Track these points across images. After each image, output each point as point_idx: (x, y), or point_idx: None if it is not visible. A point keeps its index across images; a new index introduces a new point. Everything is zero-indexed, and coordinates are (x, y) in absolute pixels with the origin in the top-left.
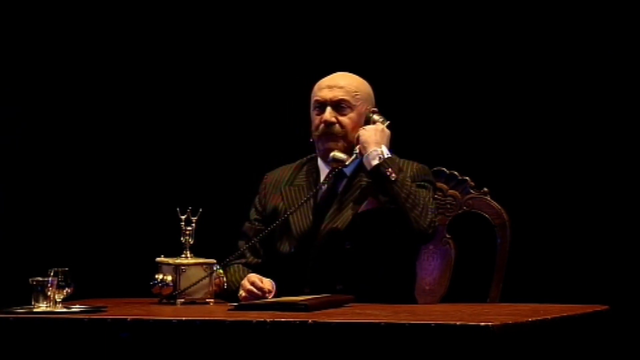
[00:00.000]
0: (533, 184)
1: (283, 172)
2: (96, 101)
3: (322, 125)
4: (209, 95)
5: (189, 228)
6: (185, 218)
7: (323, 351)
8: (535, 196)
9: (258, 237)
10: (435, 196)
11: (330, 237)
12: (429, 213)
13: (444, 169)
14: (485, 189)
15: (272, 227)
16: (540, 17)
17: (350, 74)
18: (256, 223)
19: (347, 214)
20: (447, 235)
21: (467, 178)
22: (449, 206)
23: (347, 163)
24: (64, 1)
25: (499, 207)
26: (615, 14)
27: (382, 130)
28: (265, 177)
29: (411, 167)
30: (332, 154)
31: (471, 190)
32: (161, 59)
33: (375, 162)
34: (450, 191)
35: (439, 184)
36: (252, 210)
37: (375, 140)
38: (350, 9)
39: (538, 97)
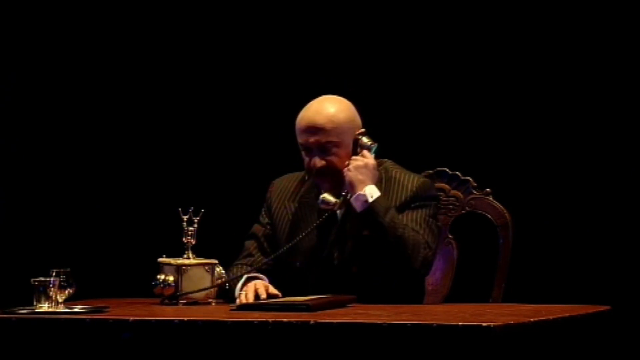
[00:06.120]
0: (535, 185)
1: (288, 183)
2: (98, 102)
3: (313, 170)
4: (211, 95)
5: (191, 228)
6: (187, 218)
7: (325, 351)
8: (537, 196)
9: (272, 257)
10: (439, 197)
11: (337, 259)
12: (421, 250)
13: (446, 169)
14: (488, 190)
15: (279, 252)
16: (541, 18)
17: (328, 103)
18: (267, 227)
19: (348, 240)
20: (450, 236)
21: (469, 178)
22: (451, 206)
23: (335, 208)
24: (64, 2)
25: (502, 207)
26: (615, 14)
27: (366, 165)
28: (272, 184)
29: (412, 184)
30: (321, 196)
31: (473, 191)
32: (163, 60)
33: (360, 208)
34: (453, 191)
35: (441, 185)
36: (262, 214)
37: (359, 181)
38: (352, 10)
39: (539, 97)
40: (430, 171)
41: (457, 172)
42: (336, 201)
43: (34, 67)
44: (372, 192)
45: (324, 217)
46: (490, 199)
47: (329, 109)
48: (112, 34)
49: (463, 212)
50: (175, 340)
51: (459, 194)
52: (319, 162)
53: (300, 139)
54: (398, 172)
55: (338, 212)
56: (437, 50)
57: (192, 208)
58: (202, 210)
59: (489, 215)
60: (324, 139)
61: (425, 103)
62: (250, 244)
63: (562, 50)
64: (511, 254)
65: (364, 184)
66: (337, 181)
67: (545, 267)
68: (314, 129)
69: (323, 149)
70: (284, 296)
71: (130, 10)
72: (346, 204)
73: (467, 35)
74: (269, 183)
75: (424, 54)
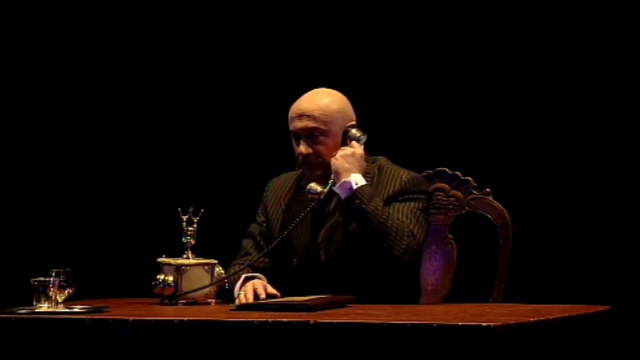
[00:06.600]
0: (535, 185)
1: (284, 182)
2: (98, 102)
3: (300, 158)
4: (211, 95)
5: (191, 228)
6: (187, 218)
7: (325, 351)
8: (537, 196)
9: (261, 254)
10: (438, 197)
11: (325, 255)
12: (404, 238)
13: (446, 169)
14: (488, 190)
15: (273, 244)
16: (541, 17)
17: (321, 93)
18: (264, 225)
19: (339, 232)
20: (450, 236)
21: (469, 178)
22: (451, 206)
23: (322, 197)
24: (64, 1)
25: (502, 207)
26: (615, 14)
27: (353, 154)
28: (268, 184)
29: (401, 178)
30: (308, 186)
31: (473, 191)
32: (163, 60)
33: (344, 194)
34: (453, 191)
35: (441, 185)
36: (258, 213)
37: (345, 169)
38: (352, 11)
39: (539, 97)
40: (430, 171)
41: (457, 172)
42: (322, 190)
43: (34, 67)
44: (357, 180)
45: (312, 206)
46: (490, 199)
47: (321, 98)
48: (112, 34)
49: (463, 212)
50: (175, 340)
51: (459, 194)
52: (305, 148)
53: (291, 126)
54: (390, 168)
55: (331, 207)
56: (437, 50)
57: (191, 208)
58: (202, 210)
59: (489, 215)
60: (312, 125)
61: (425, 103)
62: (247, 243)
63: (562, 50)
64: (511, 254)
65: (350, 172)
66: (326, 173)
67: (545, 267)
68: (303, 115)
69: (311, 136)
70: (282, 296)
71: (130, 10)
72: (332, 193)
73: (468, 36)
74: (267, 183)
75: (424, 54)
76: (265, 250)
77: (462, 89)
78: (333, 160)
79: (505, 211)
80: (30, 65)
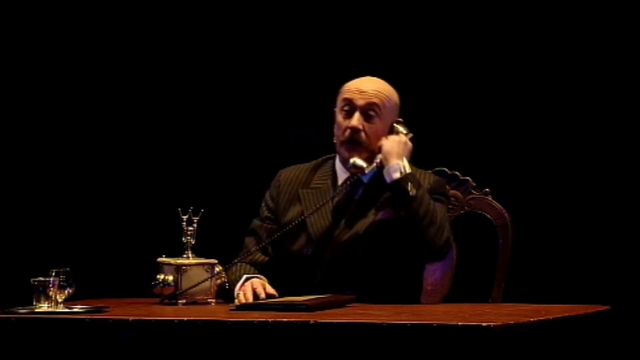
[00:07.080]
0: (535, 184)
1: (298, 172)
2: (98, 102)
3: (348, 131)
4: (211, 94)
5: (191, 228)
6: (187, 218)
7: (325, 351)
8: (537, 196)
9: (272, 238)
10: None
11: (345, 244)
12: (445, 231)
13: (445, 169)
14: (487, 190)
15: (287, 229)
16: (540, 17)
17: (381, 81)
18: (267, 222)
19: (363, 222)
20: None
21: (468, 178)
22: (450, 207)
23: (366, 172)
24: (64, 2)
25: (501, 207)
26: (615, 14)
27: (405, 142)
28: (279, 174)
29: (428, 179)
30: (352, 160)
31: (473, 191)
32: (163, 59)
33: (396, 175)
34: (452, 191)
35: None
36: (263, 207)
37: (397, 153)
38: (351, 10)
39: (538, 97)
40: (430, 171)
41: (456, 172)
42: (367, 165)
43: (34, 67)
44: (406, 166)
45: (353, 179)
46: (490, 198)
47: (383, 83)
48: (112, 34)
49: (462, 212)
50: (175, 340)
51: (458, 193)
52: (358, 122)
53: (347, 98)
54: (415, 169)
55: (356, 196)
56: (437, 50)
57: (191, 208)
58: (202, 210)
59: (488, 215)
60: (374, 101)
61: (424, 103)
62: (249, 242)
63: (562, 50)
64: (511, 254)
65: (400, 157)
66: (366, 157)
67: (545, 267)
68: (366, 90)
69: (366, 113)
70: (289, 289)
71: (130, 10)
72: (374, 171)
73: (467, 35)
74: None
75: (423, 54)
76: (285, 230)
77: (461, 89)
78: (384, 141)
79: (504, 211)
80: (30, 65)
